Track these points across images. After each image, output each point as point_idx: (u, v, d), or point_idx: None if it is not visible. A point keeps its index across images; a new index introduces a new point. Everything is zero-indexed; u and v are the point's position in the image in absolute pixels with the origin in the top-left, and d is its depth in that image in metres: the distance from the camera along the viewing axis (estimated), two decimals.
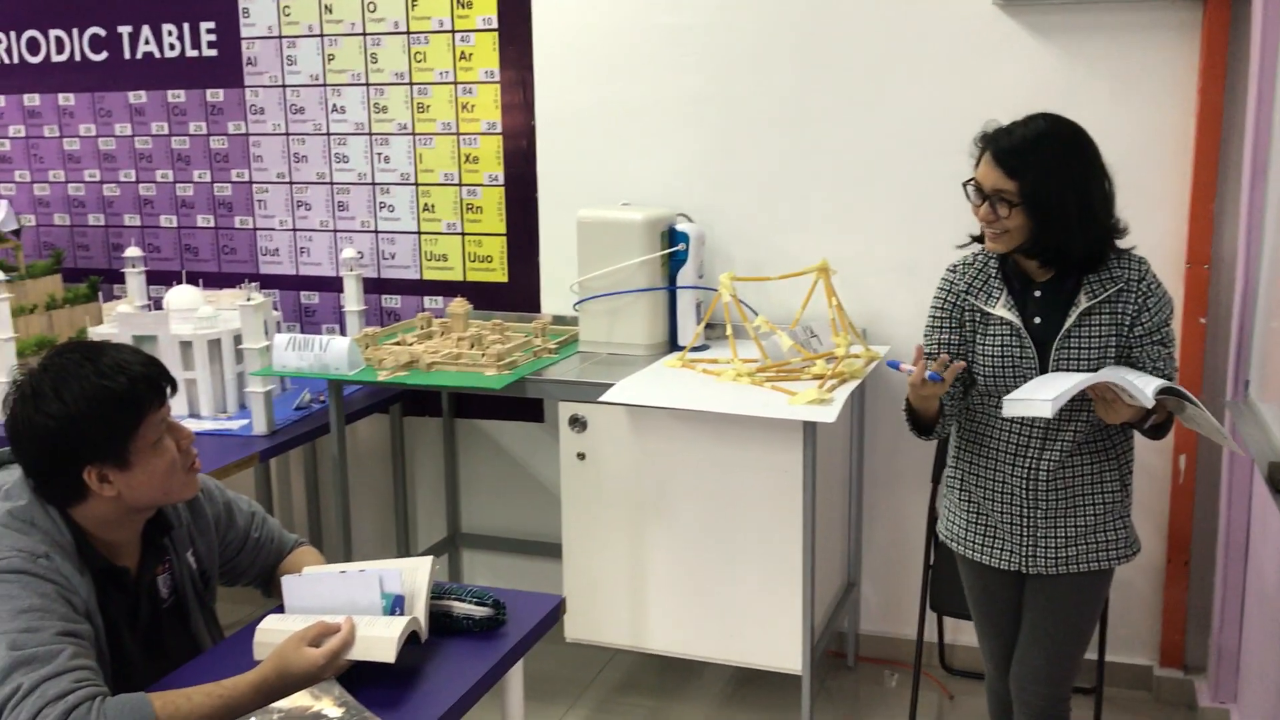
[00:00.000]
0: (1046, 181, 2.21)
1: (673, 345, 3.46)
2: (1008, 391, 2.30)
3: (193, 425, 2.02)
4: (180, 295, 3.47)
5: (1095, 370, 2.26)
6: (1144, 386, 2.14)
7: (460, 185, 3.84)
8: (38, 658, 1.69)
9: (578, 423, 3.17)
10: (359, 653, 1.85)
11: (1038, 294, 2.32)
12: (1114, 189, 2.28)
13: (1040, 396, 2.13)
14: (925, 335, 2.45)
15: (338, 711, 1.69)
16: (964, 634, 3.49)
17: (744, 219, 3.56)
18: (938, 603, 3.22)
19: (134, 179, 4.22)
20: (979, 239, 2.39)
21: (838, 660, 3.68)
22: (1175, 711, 3.35)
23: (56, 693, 1.66)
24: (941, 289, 2.43)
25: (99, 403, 1.83)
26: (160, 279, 4.15)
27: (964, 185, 2.31)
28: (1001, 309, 2.33)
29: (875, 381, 3.36)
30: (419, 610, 1.97)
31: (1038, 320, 2.31)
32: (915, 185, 3.38)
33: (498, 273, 3.86)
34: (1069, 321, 2.28)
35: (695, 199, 3.57)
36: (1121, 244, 2.32)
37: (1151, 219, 3.16)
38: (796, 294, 3.34)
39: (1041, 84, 3.19)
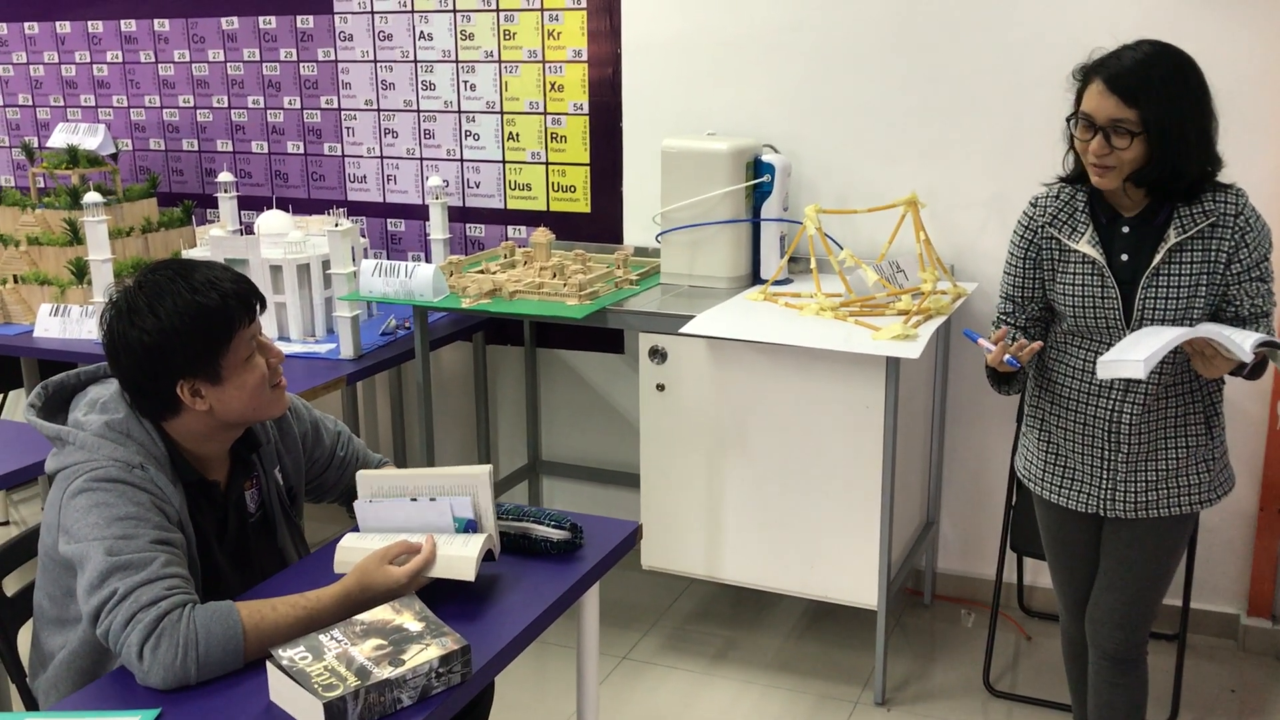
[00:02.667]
0: (1167, 107, 2.09)
1: (755, 278, 3.43)
2: (1089, 332, 2.23)
3: (281, 348, 2.07)
4: (270, 220, 3.53)
5: (1184, 310, 2.18)
6: (1241, 341, 2.04)
7: (545, 114, 3.83)
8: (133, 564, 1.75)
9: (658, 354, 3.17)
10: (440, 570, 1.89)
11: (1125, 230, 2.22)
12: (1219, 118, 2.18)
13: (1132, 357, 2.03)
14: (1004, 274, 2.38)
15: (418, 625, 1.73)
16: (1044, 575, 3.45)
17: (831, 150, 3.49)
18: (1018, 543, 3.18)
19: (226, 105, 4.28)
20: (1069, 180, 2.30)
21: (914, 598, 3.67)
22: (1261, 660, 3.29)
23: (150, 598, 1.72)
24: (1021, 223, 2.34)
25: (192, 318, 1.87)
26: (251, 204, 4.22)
27: (1068, 120, 2.19)
28: (1085, 245, 2.23)
29: (961, 318, 3.30)
30: (490, 528, 2.00)
31: (1124, 258, 2.22)
32: (1009, 117, 3.28)
33: (581, 203, 3.85)
34: (1157, 259, 2.18)
35: (782, 129, 3.51)
36: (1219, 178, 2.21)
37: (1260, 151, 3.04)
38: (883, 228, 3.29)
39: (1146, 12, 3.07)
